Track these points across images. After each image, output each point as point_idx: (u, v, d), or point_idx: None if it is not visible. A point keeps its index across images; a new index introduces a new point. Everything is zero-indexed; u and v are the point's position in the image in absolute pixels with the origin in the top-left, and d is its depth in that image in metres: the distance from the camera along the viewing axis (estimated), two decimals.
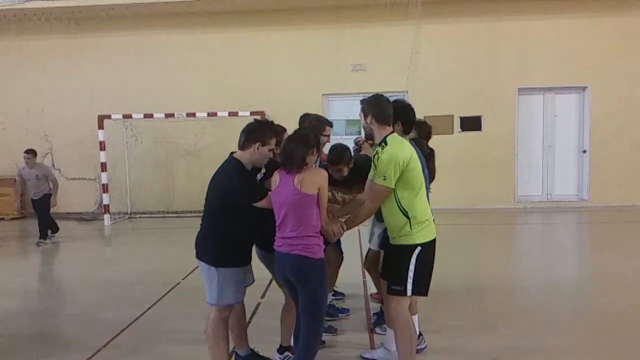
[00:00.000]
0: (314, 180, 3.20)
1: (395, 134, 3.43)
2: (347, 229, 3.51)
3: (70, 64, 11.99)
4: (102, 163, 11.11)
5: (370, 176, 3.43)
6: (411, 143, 3.61)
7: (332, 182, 3.40)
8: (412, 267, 3.34)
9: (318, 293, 3.26)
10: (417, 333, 3.95)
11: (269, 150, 3.44)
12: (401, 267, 3.36)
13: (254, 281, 3.72)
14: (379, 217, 3.91)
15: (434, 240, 3.45)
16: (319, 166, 4.02)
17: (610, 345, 4.24)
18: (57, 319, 5.42)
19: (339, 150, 3.93)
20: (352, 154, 4.19)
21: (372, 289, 5.54)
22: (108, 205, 11.20)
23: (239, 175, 3.36)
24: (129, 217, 11.85)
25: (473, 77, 11.39)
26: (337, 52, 11.57)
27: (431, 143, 4.90)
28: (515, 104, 11.59)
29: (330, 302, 4.86)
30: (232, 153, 3.51)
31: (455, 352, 4.19)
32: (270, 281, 5.15)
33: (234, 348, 3.89)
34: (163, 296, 5.82)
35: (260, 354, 3.94)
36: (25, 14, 10.87)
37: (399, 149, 3.29)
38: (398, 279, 3.38)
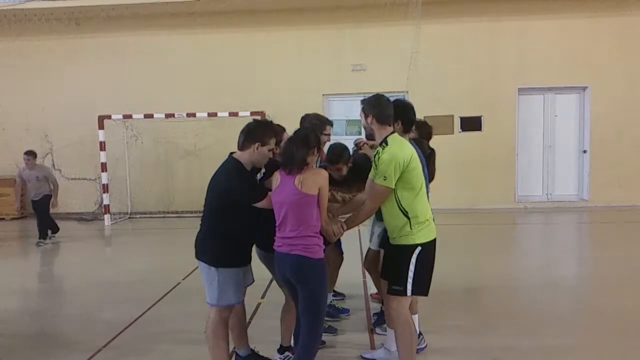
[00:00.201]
0: (315, 180, 3.20)
1: (396, 134, 3.43)
2: (347, 228, 3.51)
3: (70, 64, 11.99)
4: (102, 163, 11.12)
5: (370, 176, 3.43)
6: (411, 143, 3.61)
7: (332, 182, 3.39)
8: (412, 267, 3.34)
9: (318, 293, 3.26)
10: (417, 333, 3.94)
11: (269, 150, 3.44)
12: (401, 267, 3.36)
13: (253, 281, 3.72)
14: (379, 216, 3.91)
15: (434, 240, 3.45)
16: (319, 166, 4.01)
17: (610, 345, 4.24)
18: (57, 319, 5.42)
19: (338, 149, 3.93)
20: (351, 153, 4.18)
21: (372, 289, 5.54)
22: (108, 205, 11.20)
23: (239, 176, 3.36)
24: (129, 217, 11.85)
25: (473, 77, 11.40)
26: (337, 52, 11.57)
27: (431, 143, 4.90)
28: (515, 104, 11.59)
29: (331, 302, 4.86)
30: (231, 153, 3.51)
31: (455, 352, 4.19)
32: (271, 281, 5.15)
33: (234, 348, 3.89)
34: (163, 296, 5.82)
35: (261, 354, 3.94)
36: (26, 14, 10.87)
37: (400, 149, 3.29)
38: (398, 279, 3.38)
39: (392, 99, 3.60)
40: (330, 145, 4.04)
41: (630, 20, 11.18)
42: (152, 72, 11.78)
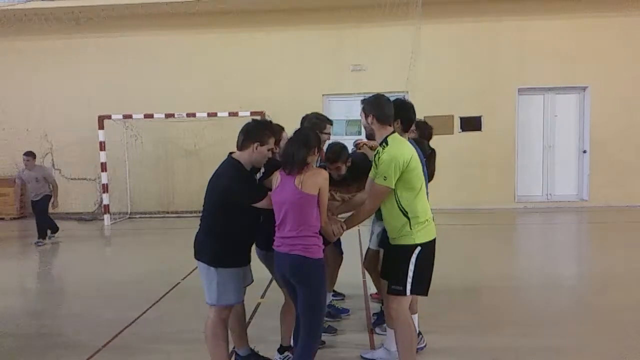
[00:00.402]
0: (315, 180, 3.20)
1: (396, 134, 3.43)
2: (347, 228, 3.51)
3: (70, 64, 12.00)
4: (102, 163, 11.11)
5: (370, 176, 3.43)
6: (411, 143, 3.60)
7: (331, 182, 3.39)
8: (411, 267, 3.34)
9: (317, 293, 3.25)
10: (417, 332, 3.94)
11: (268, 150, 3.44)
12: (401, 267, 3.36)
13: (252, 281, 3.72)
14: (378, 216, 3.91)
15: (434, 240, 3.45)
16: (318, 166, 4.01)
17: (610, 345, 4.24)
18: (56, 318, 5.41)
19: (337, 148, 3.92)
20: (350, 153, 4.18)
21: (372, 289, 5.55)
22: (108, 205, 11.20)
23: (238, 176, 3.36)
24: (129, 217, 11.85)
25: (473, 77, 11.40)
26: (337, 52, 11.58)
27: (431, 143, 4.90)
28: (515, 104, 11.60)
29: (330, 302, 4.86)
30: (230, 153, 3.50)
31: (455, 351, 4.19)
32: (270, 281, 5.15)
33: (234, 348, 3.89)
34: (163, 296, 5.82)
35: (261, 354, 3.94)
36: (26, 14, 10.86)
37: (400, 150, 3.29)
38: (398, 279, 3.38)
39: (392, 98, 3.60)
40: (329, 144, 4.04)
41: (630, 20, 11.19)
42: (152, 72, 11.78)
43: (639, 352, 4.11)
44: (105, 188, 11.22)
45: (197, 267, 3.56)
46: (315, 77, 11.56)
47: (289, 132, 3.74)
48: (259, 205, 3.37)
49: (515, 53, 11.40)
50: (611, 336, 4.43)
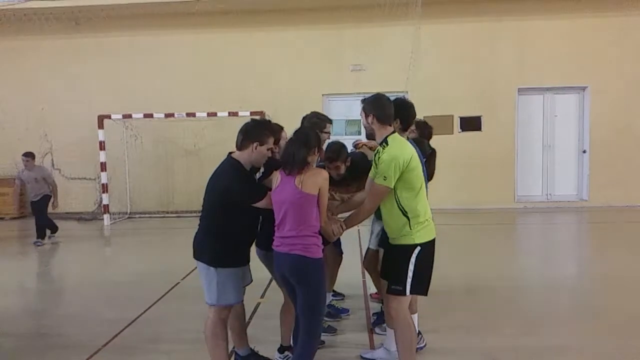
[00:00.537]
0: (315, 180, 3.20)
1: (396, 134, 3.42)
2: (347, 228, 3.51)
3: (70, 64, 11.99)
4: (101, 163, 11.11)
5: (370, 175, 3.43)
6: (411, 143, 3.60)
7: (330, 182, 3.38)
8: (411, 267, 3.34)
9: (317, 293, 3.25)
10: (417, 332, 3.94)
11: (267, 150, 3.43)
12: (401, 267, 3.36)
13: (252, 280, 3.72)
14: (378, 215, 3.91)
15: (434, 240, 3.45)
16: (317, 165, 4.00)
17: (610, 345, 4.24)
18: (56, 318, 5.41)
19: (337, 147, 3.91)
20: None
21: (372, 289, 5.55)
22: (108, 205, 11.20)
23: (238, 176, 3.36)
24: (128, 217, 11.85)
25: (473, 77, 11.40)
26: (337, 52, 11.59)
27: (431, 143, 4.90)
28: (515, 104, 11.60)
29: (330, 302, 4.86)
30: (230, 153, 3.50)
31: (455, 351, 4.19)
32: (270, 281, 5.15)
33: (234, 347, 3.89)
34: (163, 296, 5.82)
35: (260, 353, 3.94)
36: (25, 14, 10.86)
37: (400, 149, 3.29)
38: (398, 278, 3.38)
39: (392, 98, 3.60)
40: (329, 143, 4.03)
41: (629, 20, 11.19)
42: (152, 72, 11.78)
43: (639, 352, 4.11)
44: (105, 188, 11.22)
45: (196, 267, 3.56)
46: (315, 77, 11.56)
47: (288, 132, 3.73)
48: (259, 205, 3.36)
49: (515, 53, 11.41)
50: (611, 336, 4.43)
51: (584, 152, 11.66)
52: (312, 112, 4.50)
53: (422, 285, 3.43)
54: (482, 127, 11.62)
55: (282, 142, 3.83)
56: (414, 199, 3.33)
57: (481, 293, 5.81)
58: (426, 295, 3.52)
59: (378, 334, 4.50)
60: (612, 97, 11.30)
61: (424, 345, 4.16)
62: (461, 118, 11.62)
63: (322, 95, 11.71)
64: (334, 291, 5.17)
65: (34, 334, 4.96)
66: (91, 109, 11.43)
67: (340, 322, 4.83)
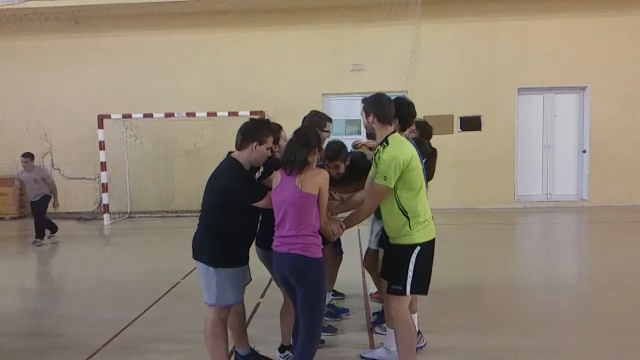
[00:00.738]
0: (316, 180, 3.20)
1: (396, 134, 3.42)
2: (347, 228, 3.51)
3: (70, 64, 12.00)
4: (101, 163, 11.11)
5: (370, 175, 3.42)
6: (412, 142, 3.60)
7: (330, 182, 3.38)
8: (411, 267, 3.33)
9: (316, 293, 3.25)
10: (417, 332, 3.94)
11: (267, 149, 3.43)
12: (401, 266, 3.36)
13: (251, 280, 3.71)
14: (378, 215, 3.91)
15: (434, 239, 3.45)
16: (318, 164, 3.99)
17: (610, 345, 4.24)
18: (56, 318, 5.41)
19: (337, 146, 3.90)
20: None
21: (372, 288, 5.55)
22: (108, 204, 11.20)
23: (238, 176, 3.36)
24: (128, 217, 11.85)
25: (473, 77, 11.41)
26: (337, 52, 11.59)
27: (431, 142, 4.89)
28: (515, 104, 11.60)
29: (330, 302, 4.86)
30: (230, 153, 3.50)
31: (455, 351, 4.19)
32: (270, 281, 5.15)
33: (234, 347, 3.89)
34: (163, 296, 5.82)
35: (261, 353, 3.94)
36: (25, 13, 10.85)
37: (400, 149, 3.29)
38: (398, 278, 3.38)
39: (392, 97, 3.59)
40: (329, 142, 4.03)
41: (629, 19, 11.20)
42: (152, 71, 11.78)
43: (639, 352, 4.11)
44: (104, 187, 11.22)
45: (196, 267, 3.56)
46: (315, 76, 11.56)
47: (288, 131, 3.73)
48: (259, 204, 3.36)
49: (515, 53, 11.41)
50: (611, 336, 4.42)
51: (584, 151, 11.66)
52: (312, 111, 4.50)
53: (422, 285, 3.43)
54: (482, 126, 11.62)
55: (282, 142, 3.83)
56: (414, 198, 3.33)
57: (481, 293, 5.81)
58: (426, 294, 3.52)
59: (378, 333, 4.49)
60: (612, 97, 11.30)
61: (424, 345, 4.16)
62: (461, 118, 11.62)
63: (322, 95, 11.71)
64: (334, 291, 5.17)
65: (34, 334, 4.97)
66: (91, 109, 11.42)
67: (340, 321, 4.83)
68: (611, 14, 11.16)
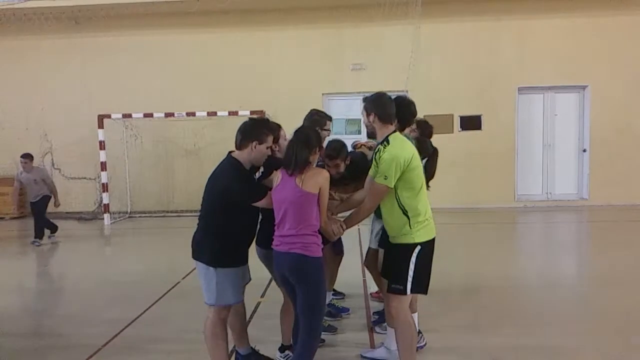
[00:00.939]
0: (316, 180, 3.20)
1: (397, 133, 3.43)
2: (347, 228, 3.50)
3: (70, 64, 12.00)
4: (102, 162, 11.12)
5: (370, 174, 3.42)
6: (412, 142, 3.59)
7: (330, 182, 3.38)
8: (412, 266, 3.34)
9: (317, 292, 3.25)
10: (417, 331, 3.94)
11: (267, 148, 3.42)
12: (401, 266, 3.36)
13: (250, 279, 3.71)
14: (378, 214, 3.90)
15: (434, 239, 3.45)
16: (318, 164, 3.99)
17: (610, 345, 4.24)
18: (56, 318, 5.41)
19: (337, 145, 3.90)
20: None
21: (372, 288, 5.54)
22: (108, 204, 11.20)
23: (238, 175, 3.35)
24: (128, 217, 11.85)
25: (473, 77, 11.40)
26: (337, 52, 11.58)
27: (432, 142, 4.89)
28: (515, 103, 11.60)
29: (330, 301, 4.86)
30: (230, 152, 3.49)
31: (455, 351, 4.19)
32: (270, 280, 5.14)
33: (234, 347, 3.89)
34: (163, 295, 5.82)
35: (261, 352, 3.93)
36: (25, 13, 10.85)
37: (401, 149, 3.29)
38: (398, 278, 3.38)
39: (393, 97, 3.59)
40: (329, 141, 4.03)
41: (629, 19, 11.19)
42: (152, 71, 11.78)
43: (639, 352, 4.11)
44: (105, 187, 11.22)
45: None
46: (315, 76, 11.55)
47: (289, 131, 3.72)
48: (259, 204, 3.36)
49: (515, 52, 11.40)
50: (611, 336, 4.42)
51: (584, 151, 11.65)
52: (312, 110, 4.49)
53: (422, 284, 3.43)
54: (482, 126, 11.61)
55: (281, 141, 3.83)
56: (414, 198, 3.33)
57: (481, 292, 5.81)
58: (426, 293, 3.52)
59: (378, 333, 4.49)
60: (613, 96, 11.29)
61: (425, 345, 4.16)
62: (461, 117, 11.61)
63: (322, 94, 11.71)
64: (334, 290, 5.17)
65: (34, 334, 4.97)
66: (91, 108, 11.43)
67: (340, 321, 4.83)
68: (611, 13, 11.15)
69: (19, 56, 12.08)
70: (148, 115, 11.00)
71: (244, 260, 3.58)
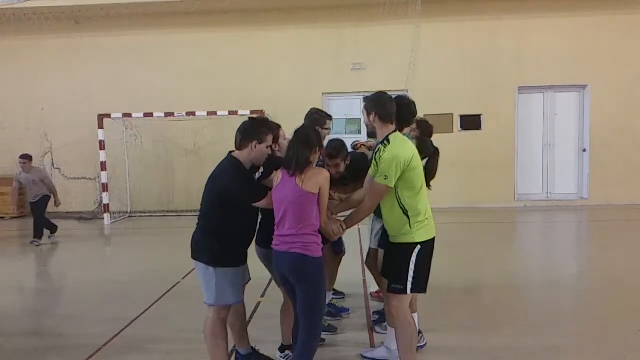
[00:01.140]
0: (317, 180, 3.20)
1: (397, 133, 3.43)
2: (347, 228, 3.50)
3: (70, 64, 12.00)
4: (102, 162, 11.12)
5: (370, 173, 3.42)
6: (412, 141, 3.59)
7: (329, 182, 3.37)
8: (412, 266, 3.33)
9: (316, 292, 3.24)
10: (417, 331, 3.94)
11: (267, 147, 3.42)
12: (401, 266, 3.36)
13: (250, 279, 3.71)
14: (378, 214, 3.90)
15: (434, 238, 3.45)
16: (318, 164, 3.99)
17: (610, 345, 4.23)
18: (56, 318, 5.41)
19: (337, 144, 3.91)
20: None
21: (372, 287, 5.54)
22: (108, 204, 11.20)
23: (238, 175, 3.35)
24: (129, 217, 11.85)
25: (473, 76, 11.40)
26: (337, 52, 11.58)
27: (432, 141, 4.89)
28: (515, 103, 11.59)
29: (331, 301, 4.86)
30: (231, 152, 3.49)
31: (455, 350, 4.19)
32: (270, 280, 5.14)
33: (235, 346, 3.89)
34: (163, 295, 5.81)
35: (261, 352, 3.93)
36: (25, 13, 10.85)
37: (401, 148, 3.29)
38: (398, 277, 3.38)
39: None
40: (329, 141, 4.03)
41: (629, 18, 11.19)
42: (152, 71, 11.78)
43: (639, 352, 4.11)
44: (105, 187, 11.22)
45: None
46: (315, 76, 11.56)
47: (289, 131, 3.72)
48: (259, 204, 3.36)
49: (515, 52, 11.40)
50: (611, 336, 4.42)
51: (584, 150, 11.65)
52: (312, 109, 4.49)
53: (422, 284, 3.43)
54: (482, 125, 11.61)
55: (281, 140, 3.83)
56: (414, 197, 3.33)
57: (481, 292, 5.81)
58: (426, 292, 3.52)
59: (378, 332, 4.49)
60: (613, 95, 11.29)
61: (425, 344, 4.16)
62: (461, 117, 11.61)
63: (322, 94, 11.71)
64: (334, 290, 5.17)
65: (34, 334, 4.97)
66: (91, 108, 11.43)
67: (340, 321, 4.83)
68: (611, 13, 11.14)
69: (19, 56, 12.08)
70: (148, 115, 11.00)
71: (244, 260, 3.58)
